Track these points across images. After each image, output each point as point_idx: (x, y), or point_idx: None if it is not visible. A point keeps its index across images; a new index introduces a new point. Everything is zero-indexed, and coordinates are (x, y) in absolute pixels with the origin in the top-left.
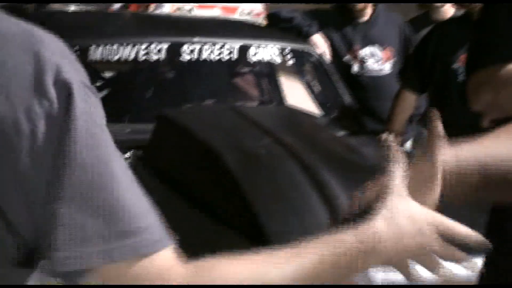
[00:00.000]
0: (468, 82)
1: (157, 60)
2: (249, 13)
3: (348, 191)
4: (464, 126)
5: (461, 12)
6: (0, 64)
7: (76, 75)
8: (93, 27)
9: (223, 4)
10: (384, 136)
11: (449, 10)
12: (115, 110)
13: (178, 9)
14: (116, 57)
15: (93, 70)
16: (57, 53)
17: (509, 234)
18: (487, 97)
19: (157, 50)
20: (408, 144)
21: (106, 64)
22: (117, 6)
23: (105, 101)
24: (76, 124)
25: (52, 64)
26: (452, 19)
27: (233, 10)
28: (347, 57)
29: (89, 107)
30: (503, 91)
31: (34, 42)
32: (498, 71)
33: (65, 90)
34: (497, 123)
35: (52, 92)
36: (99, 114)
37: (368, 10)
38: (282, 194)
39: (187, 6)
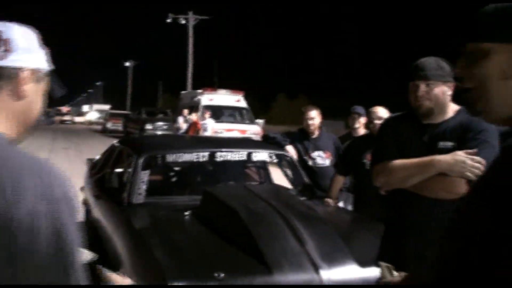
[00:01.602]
0: (372, 170)
1: (203, 161)
2: (253, 134)
3: (309, 232)
4: (371, 192)
5: (367, 131)
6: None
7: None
8: (169, 143)
9: (239, 129)
10: (327, 200)
11: (361, 131)
12: (181, 189)
13: (215, 132)
14: (181, 159)
15: (169, 167)
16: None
17: None
18: (383, 179)
19: (202, 155)
20: (341, 204)
21: (176, 163)
22: (182, 131)
23: (175, 184)
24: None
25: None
26: (362, 136)
27: (244, 131)
28: (305, 157)
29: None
30: (390, 175)
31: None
32: (387, 165)
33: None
34: (389, 191)
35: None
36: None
37: (317, 131)
38: (272, 233)
39: (219, 130)
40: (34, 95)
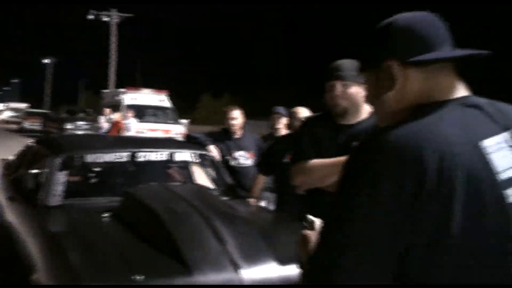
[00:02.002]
0: (291, 169)
1: (123, 161)
2: (177, 134)
3: (229, 231)
4: (292, 192)
5: (290, 132)
6: None
7: None
8: (88, 143)
9: (163, 129)
10: (250, 200)
11: (283, 131)
12: (100, 190)
13: (138, 132)
14: (101, 160)
15: (87, 167)
16: None
17: None
18: (300, 178)
19: (123, 155)
20: (263, 203)
21: (96, 163)
22: (104, 131)
23: (94, 185)
24: None
25: None
26: (284, 136)
27: (168, 131)
28: (228, 157)
29: None
30: (308, 175)
31: None
32: (304, 164)
33: None
34: (307, 191)
35: None
36: None
37: (239, 131)
38: (192, 234)
39: (142, 130)
40: None
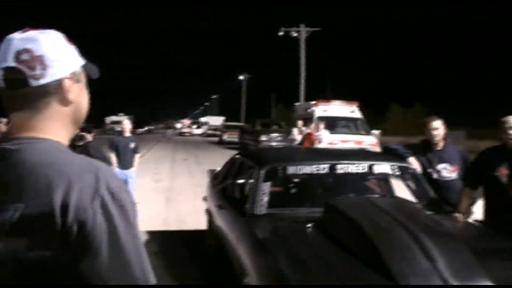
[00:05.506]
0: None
1: (323, 173)
2: (369, 145)
3: (438, 248)
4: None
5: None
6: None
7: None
8: (289, 155)
9: (355, 140)
10: (456, 215)
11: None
12: (301, 200)
13: (330, 143)
14: (302, 171)
15: (288, 179)
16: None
17: None
18: None
19: (323, 167)
20: (471, 219)
21: (296, 175)
22: (297, 142)
23: (295, 196)
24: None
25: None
26: (490, 148)
27: (360, 142)
28: (430, 170)
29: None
30: None
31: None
32: None
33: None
34: None
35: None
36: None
37: (441, 143)
38: (398, 249)
39: (334, 141)
40: (80, 95)
